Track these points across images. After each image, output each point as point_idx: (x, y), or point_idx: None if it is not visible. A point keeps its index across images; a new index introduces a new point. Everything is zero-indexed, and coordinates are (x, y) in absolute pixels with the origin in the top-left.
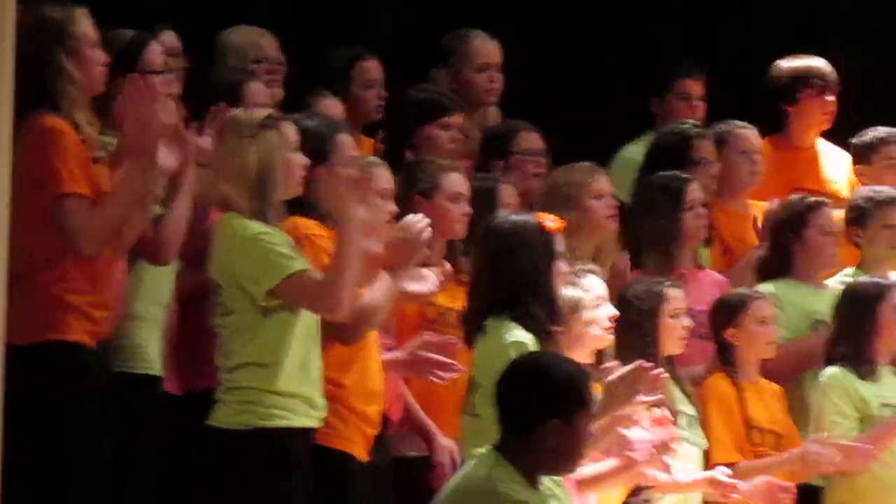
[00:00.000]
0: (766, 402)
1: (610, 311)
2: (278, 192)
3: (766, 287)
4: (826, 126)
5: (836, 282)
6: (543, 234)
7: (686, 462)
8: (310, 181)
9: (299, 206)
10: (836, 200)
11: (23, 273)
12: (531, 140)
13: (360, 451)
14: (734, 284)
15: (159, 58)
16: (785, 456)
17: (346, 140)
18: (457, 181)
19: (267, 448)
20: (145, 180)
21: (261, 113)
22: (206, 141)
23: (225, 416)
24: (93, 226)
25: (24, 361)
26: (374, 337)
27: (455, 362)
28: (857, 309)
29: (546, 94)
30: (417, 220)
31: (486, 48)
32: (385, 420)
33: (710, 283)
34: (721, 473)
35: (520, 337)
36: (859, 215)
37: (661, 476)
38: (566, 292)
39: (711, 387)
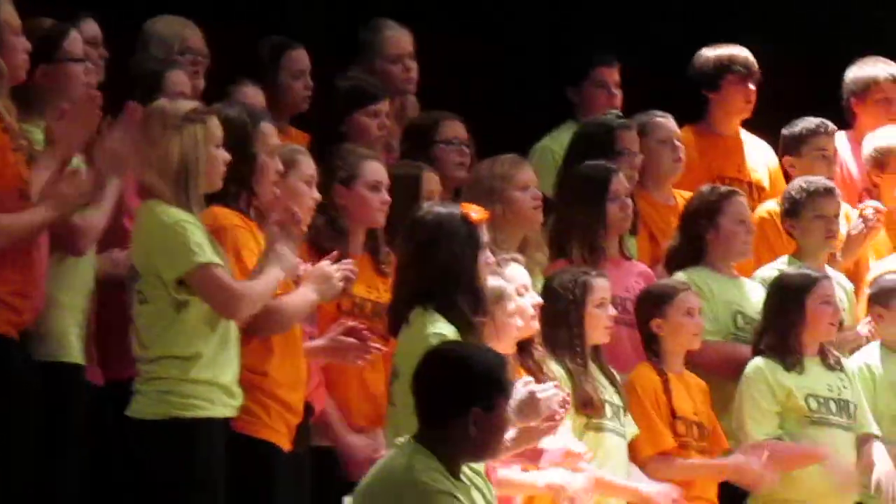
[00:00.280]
0: (691, 394)
1: (534, 299)
2: (200, 186)
3: (680, 276)
4: (747, 114)
5: (770, 271)
6: (468, 225)
7: (611, 453)
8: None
9: (222, 196)
10: (758, 190)
11: None
12: (454, 129)
13: (284, 441)
14: None
15: (79, 47)
16: (716, 463)
17: (268, 129)
18: (376, 169)
19: (184, 438)
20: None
21: (186, 105)
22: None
23: (143, 406)
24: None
25: None
26: (296, 326)
27: (376, 345)
28: (784, 300)
29: (463, 84)
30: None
31: (398, 38)
32: (307, 408)
33: (635, 274)
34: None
35: (442, 329)
36: (793, 206)
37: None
38: (490, 282)
39: (637, 377)
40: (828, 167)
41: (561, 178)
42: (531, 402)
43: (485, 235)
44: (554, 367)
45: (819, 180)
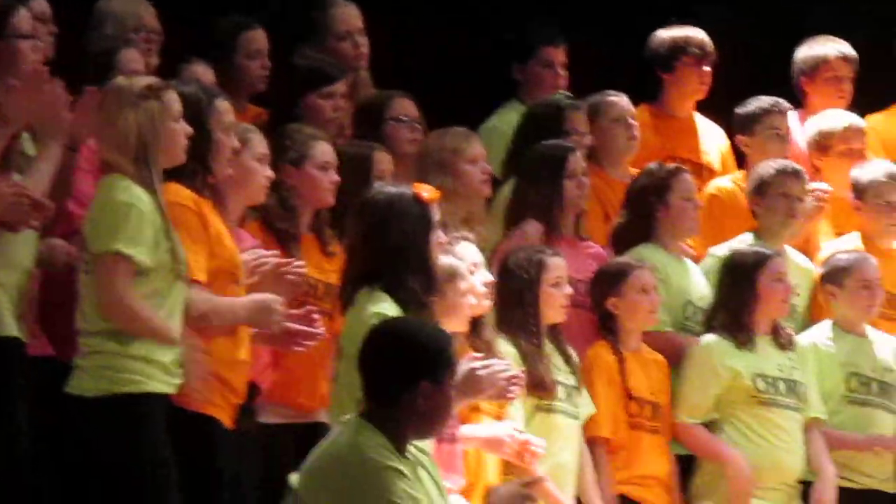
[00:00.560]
0: (647, 373)
1: (485, 276)
2: (161, 161)
3: (630, 254)
4: (701, 96)
5: (728, 248)
6: (419, 205)
7: (563, 433)
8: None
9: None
10: (709, 173)
11: None
12: (405, 106)
13: (225, 417)
14: None
15: (28, 23)
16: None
17: (222, 106)
18: (325, 150)
19: (123, 414)
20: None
21: (143, 81)
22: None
23: (82, 382)
24: None
25: None
26: None
27: (319, 330)
28: (736, 278)
29: (411, 62)
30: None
31: (345, 14)
32: (253, 388)
33: (589, 255)
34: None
35: (384, 309)
36: (759, 185)
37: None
38: (442, 261)
39: (594, 356)
40: (781, 146)
41: (518, 157)
42: (472, 378)
43: (437, 215)
44: (505, 347)
45: (788, 162)
